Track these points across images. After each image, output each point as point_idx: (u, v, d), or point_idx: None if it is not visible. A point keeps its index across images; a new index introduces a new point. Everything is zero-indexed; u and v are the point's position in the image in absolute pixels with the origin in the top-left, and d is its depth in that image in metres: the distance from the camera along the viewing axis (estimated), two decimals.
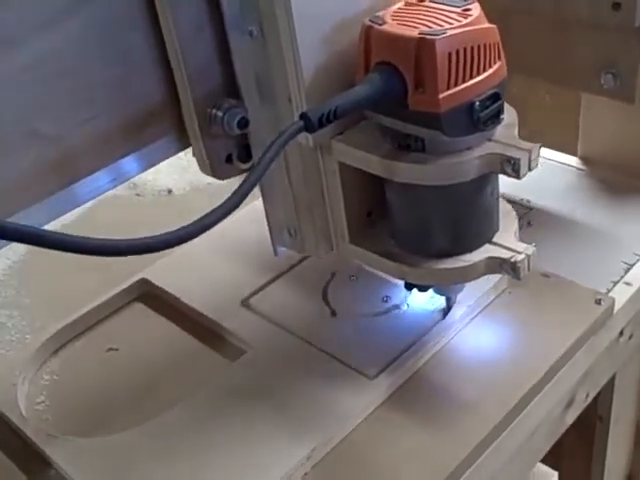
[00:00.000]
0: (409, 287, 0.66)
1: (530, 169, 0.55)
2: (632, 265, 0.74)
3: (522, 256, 0.58)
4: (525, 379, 0.64)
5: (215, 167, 0.63)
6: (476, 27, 0.53)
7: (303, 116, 0.51)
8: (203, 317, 0.73)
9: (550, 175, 0.88)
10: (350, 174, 0.60)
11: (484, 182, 0.59)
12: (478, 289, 0.69)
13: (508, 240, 0.61)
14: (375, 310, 0.70)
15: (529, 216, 0.82)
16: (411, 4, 0.56)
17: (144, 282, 0.79)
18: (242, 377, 0.66)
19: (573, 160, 0.90)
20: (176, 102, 0.61)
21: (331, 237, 0.64)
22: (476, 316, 0.69)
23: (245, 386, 0.65)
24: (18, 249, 0.90)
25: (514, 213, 0.65)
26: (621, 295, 0.71)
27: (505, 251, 0.59)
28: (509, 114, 0.58)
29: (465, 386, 0.64)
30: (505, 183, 0.86)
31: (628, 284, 0.72)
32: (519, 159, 0.54)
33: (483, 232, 0.61)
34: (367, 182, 0.61)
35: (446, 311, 0.68)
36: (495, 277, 0.70)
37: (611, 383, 0.83)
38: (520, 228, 0.79)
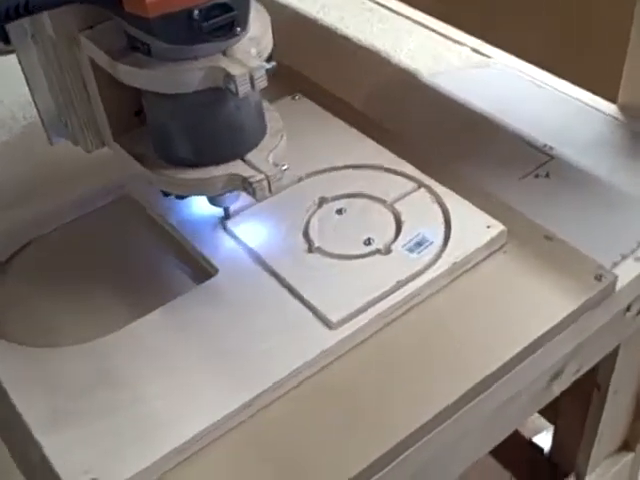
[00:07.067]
0: (165, 194, 0.64)
1: (254, 88, 0.52)
2: None
3: (261, 176, 0.56)
4: (507, 348, 0.58)
5: None
6: None
7: None
8: (178, 234, 0.69)
9: (580, 121, 0.79)
10: None
11: (222, 95, 0.55)
12: (472, 245, 0.63)
13: (260, 159, 0.58)
14: (354, 252, 0.64)
15: (548, 166, 0.73)
16: None
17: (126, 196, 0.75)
18: (202, 301, 0.63)
19: (612, 108, 0.80)
20: None
21: (100, 133, 0.63)
22: (465, 272, 0.63)
23: (203, 311, 0.62)
24: None
25: (282, 132, 0.61)
26: (629, 270, 0.64)
27: (249, 170, 0.57)
28: (258, 28, 0.55)
29: (443, 343, 0.59)
30: (527, 124, 0.79)
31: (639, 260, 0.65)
32: (235, 76, 0.51)
33: (230, 147, 0.58)
34: None
35: (223, 219, 0.68)
36: (491, 232, 0.64)
37: (614, 355, 0.77)
38: (536, 177, 0.73)
